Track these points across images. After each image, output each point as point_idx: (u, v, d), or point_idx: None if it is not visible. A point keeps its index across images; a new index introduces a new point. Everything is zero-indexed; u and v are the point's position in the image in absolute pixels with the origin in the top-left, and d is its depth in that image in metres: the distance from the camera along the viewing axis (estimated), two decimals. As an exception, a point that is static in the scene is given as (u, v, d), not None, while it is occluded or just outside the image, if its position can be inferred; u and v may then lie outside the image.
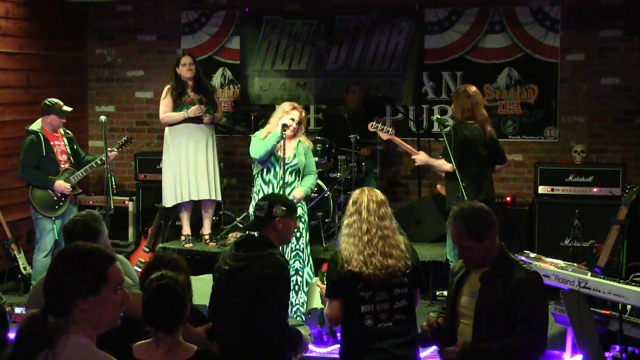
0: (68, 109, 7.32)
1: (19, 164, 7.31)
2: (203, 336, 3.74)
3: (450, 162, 6.49)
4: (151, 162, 8.88)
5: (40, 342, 2.55)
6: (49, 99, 7.36)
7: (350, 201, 4.54)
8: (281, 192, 6.78)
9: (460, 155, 6.57)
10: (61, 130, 7.38)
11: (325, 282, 4.63)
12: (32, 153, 7.20)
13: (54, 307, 2.60)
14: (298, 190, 6.85)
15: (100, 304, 2.61)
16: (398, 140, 7.04)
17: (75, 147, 7.48)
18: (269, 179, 6.85)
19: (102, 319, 2.65)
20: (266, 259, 4.46)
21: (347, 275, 4.34)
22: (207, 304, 6.05)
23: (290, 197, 6.68)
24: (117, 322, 2.69)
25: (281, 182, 6.74)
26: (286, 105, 6.93)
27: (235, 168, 9.28)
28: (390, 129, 6.94)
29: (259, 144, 6.84)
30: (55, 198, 7.25)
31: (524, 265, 4.09)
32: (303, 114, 6.93)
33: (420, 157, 6.92)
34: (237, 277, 4.49)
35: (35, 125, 7.28)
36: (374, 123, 6.96)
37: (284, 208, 4.65)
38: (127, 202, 8.87)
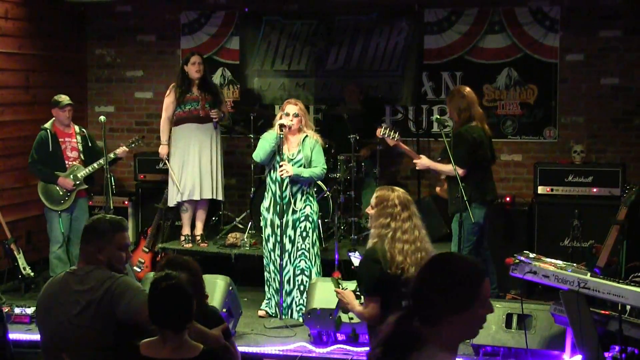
0: (62, 97, 7.58)
1: (29, 159, 7.65)
2: (219, 337, 3.78)
3: (450, 163, 6.48)
4: (151, 162, 8.87)
5: (411, 344, 2.49)
6: (55, 96, 7.66)
7: (399, 205, 4.53)
8: (279, 191, 6.78)
9: (473, 157, 6.58)
10: (76, 127, 7.72)
11: (363, 281, 4.56)
12: (40, 149, 7.57)
13: (422, 315, 2.54)
14: (288, 166, 6.74)
15: (469, 318, 2.56)
16: (403, 145, 6.96)
17: (90, 145, 7.75)
18: (276, 178, 6.80)
19: (467, 333, 2.62)
20: None
21: (392, 278, 4.40)
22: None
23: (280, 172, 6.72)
24: (476, 334, 2.65)
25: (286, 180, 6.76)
26: (285, 103, 6.92)
27: (234, 168, 9.27)
28: (397, 135, 6.76)
29: (259, 146, 6.85)
30: (61, 193, 7.57)
31: None
32: (299, 106, 6.85)
33: (423, 162, 6.84)
34: None
35: (48, 123, 7.62)
36: (382, 129, 6.75)
37: None
38: (126, 202, 8.87)
